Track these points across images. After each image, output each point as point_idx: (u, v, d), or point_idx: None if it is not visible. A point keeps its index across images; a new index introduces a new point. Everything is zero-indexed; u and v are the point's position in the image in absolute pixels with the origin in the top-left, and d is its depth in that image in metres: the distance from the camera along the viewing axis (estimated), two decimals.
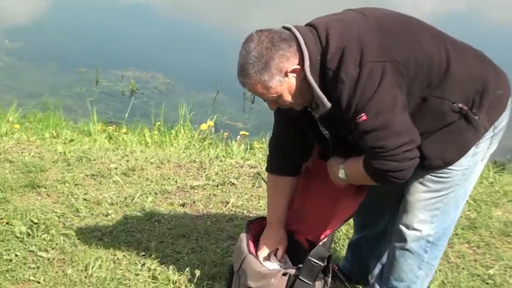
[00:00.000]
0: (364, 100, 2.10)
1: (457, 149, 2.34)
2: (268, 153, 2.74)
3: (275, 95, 2.22)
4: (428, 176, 2.40)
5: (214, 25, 9.55)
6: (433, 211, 2.46)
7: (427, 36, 2.29)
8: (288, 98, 2.25)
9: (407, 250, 2.54)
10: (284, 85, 2.20)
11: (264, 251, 2.61)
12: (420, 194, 2.43)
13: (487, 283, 3.11)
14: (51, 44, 8.26)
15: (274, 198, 2.70)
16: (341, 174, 2.38)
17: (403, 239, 2.53)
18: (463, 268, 3.23)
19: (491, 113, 2.33)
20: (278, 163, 2.65)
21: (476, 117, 2.28)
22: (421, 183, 2.42)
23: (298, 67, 2.20)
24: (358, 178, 2.40)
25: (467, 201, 3.51)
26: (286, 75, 2.19)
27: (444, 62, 2.24)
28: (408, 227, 2.49)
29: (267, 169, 2.74)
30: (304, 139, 2.60)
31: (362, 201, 2.65)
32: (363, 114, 2.12)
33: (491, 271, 3.19)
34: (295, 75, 2.20)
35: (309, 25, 2.30)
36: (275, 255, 2.62)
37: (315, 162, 2.74)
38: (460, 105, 2.25)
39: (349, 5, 2.42)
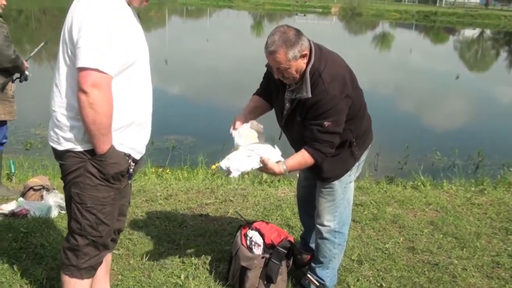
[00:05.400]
0: (335, 113, 2.66)
1: (342, 169, 2.98)
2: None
3: (287, 66, 2.64)
4: (325, 190, 3.03)
5: (218, 105, 11.72)
6: (333, 213, 3.08)
7: (362, 94, 2.94)
8: (293, 71, 2.67)
9: (324, 238, 3.13)
10: (295, 62, 2.64)
11: (238, 123, 2.94)
12: (324, 204, 3.08)
13: (385, 253, 3.85)
14: None
15: (250, 104, 3.11)
16: (282, 168, 2.77)
17: (320, 232, 3.13)
18: (370, 245, 3.97)
19: (361, 150, 3.02)
20: (255, 95, 3.14)
21: (356, 152, 2.97)
22: (322, 197, 3.06)
23: (308, 55, 2.67)
24: (297, 166, 2.85)
25: (371, 202, 4.55)
26: (300, 57, 2.63)
27: (362, 113, 2.94)
28: (321, 225, 3.12)
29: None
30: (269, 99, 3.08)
31: (306, 215, 3.48)
32: (330, 121, 2.67)
33: (387, 245, 3.96)
34: (305, 61, 2.67)
35: (319, 47, 2.77)
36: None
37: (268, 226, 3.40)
38: (353, 139, 2.91)
39: None
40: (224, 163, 2.75)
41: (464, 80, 18.72)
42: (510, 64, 26.51)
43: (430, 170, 6.94)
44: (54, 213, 4.30)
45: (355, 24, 47.09)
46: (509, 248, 4.03)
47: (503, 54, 31.35)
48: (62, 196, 4.46)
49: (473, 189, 5.57)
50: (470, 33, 42.78)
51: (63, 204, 4.34)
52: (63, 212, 4.37)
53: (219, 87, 14.10)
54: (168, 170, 6.27)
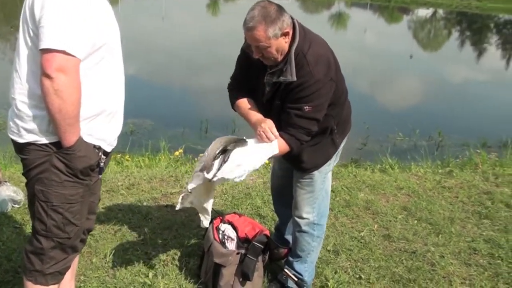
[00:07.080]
0: (317, 97, 2.48)
1: (323, 158, 2.84)
2: (228, 95, 2.87)
3: (267, 44, 2.41)
4: (303, 181, 2.87)
5: (175, 86, 11.38)
6: (312, 204, 2.94)
7: (344, 80, 2.77)
8: (273, 51, 2.44)
9: (303, 231, 3.00)
10: (276, 41, 2.41)
11: (266, 127, 2.56)
12: (302, 196, 2.92)
13: (361, 242, 3.75)
14: None
15: (247, 111, 2.76)
16: None
17: (298, 225, 2.99)
18: (345, 233, 3.86)
19: (341, 138, 2.90)
20: (236, 94, 2.82)
21: (337, 140, 2.83)
22: (301, 188, 2.90)
23: (291, 34, 2.45)
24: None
25: (342, 187, 4.43)
26: (281, 35, 2.41)
27: (344, 99, 2.80)
28: (300, 217, 2.98)
29: (232, 103, 2.84)
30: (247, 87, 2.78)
31: (281, 206, 3.34)
32: (311, 106, 2.48)
33: (362, 234, 3.86)
34: (286, 40, 2.45)
35: (302, 27, 2.56)
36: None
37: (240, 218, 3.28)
38: (334, 126, 2.76)
39: None
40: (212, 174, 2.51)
41: (418, 59, 18.94)
42: (461, 44, 27.10)
43: (393, 152, 6.89)
44: (7, 207, 3.95)
45: (311, 3, 47.01)
46: (483, 233, 3.98)
47: (455, 34, 32.01)
48: (15, 188, 4.13)
49: (440, 171, 5.54)
50: (424, 12, 43.48)
51: (17, 197, 4.04)
52: (16, 206, 4.04)
53: (176, 67, 13.69)
54: (127, 156, 5.97)
